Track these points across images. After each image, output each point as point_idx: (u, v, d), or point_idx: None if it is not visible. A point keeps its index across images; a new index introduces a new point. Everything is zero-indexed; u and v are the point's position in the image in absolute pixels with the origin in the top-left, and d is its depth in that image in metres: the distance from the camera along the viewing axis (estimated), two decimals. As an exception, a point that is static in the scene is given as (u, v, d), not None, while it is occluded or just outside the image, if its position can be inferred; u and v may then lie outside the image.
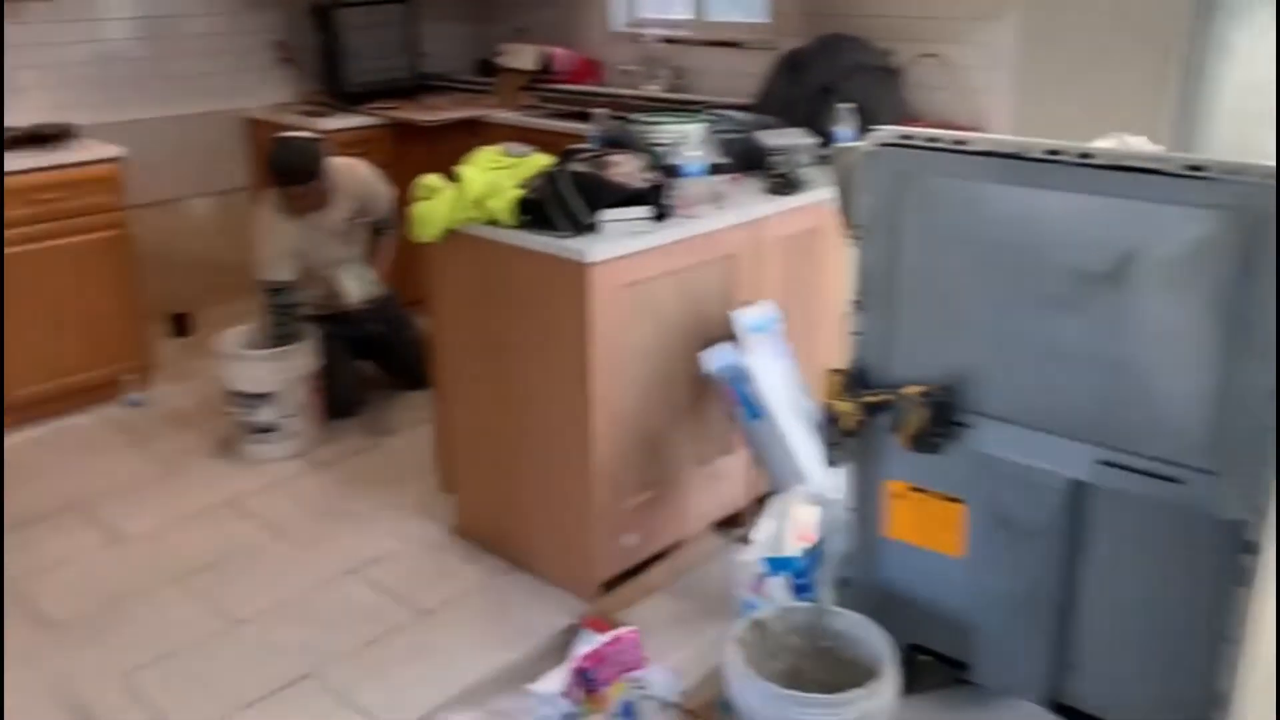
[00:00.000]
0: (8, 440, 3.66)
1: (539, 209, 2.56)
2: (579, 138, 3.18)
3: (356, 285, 3.71)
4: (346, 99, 4.64)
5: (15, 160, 3.63)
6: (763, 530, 2.46)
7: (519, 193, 2.60)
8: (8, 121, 3.88)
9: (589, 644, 2.20)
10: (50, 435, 3.72)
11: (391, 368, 4.05)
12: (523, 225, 2.59)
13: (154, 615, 2.72)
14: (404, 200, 2.80)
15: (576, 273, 2.47)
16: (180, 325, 4.62)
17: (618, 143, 2.83)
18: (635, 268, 2.57)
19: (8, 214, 3.58)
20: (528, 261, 2.57)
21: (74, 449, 3.63)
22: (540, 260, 2.54)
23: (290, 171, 3.55)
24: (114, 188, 3.83)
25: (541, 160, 2.76)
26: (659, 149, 2.84)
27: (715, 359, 2.74)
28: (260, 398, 3.46)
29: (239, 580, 2.87)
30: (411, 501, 3.25)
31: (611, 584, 2.77)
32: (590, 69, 4.84)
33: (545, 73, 4.82)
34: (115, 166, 3.82)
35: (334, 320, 3.82)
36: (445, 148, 4.30)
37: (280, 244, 3.61)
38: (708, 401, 2.86)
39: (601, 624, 2.52)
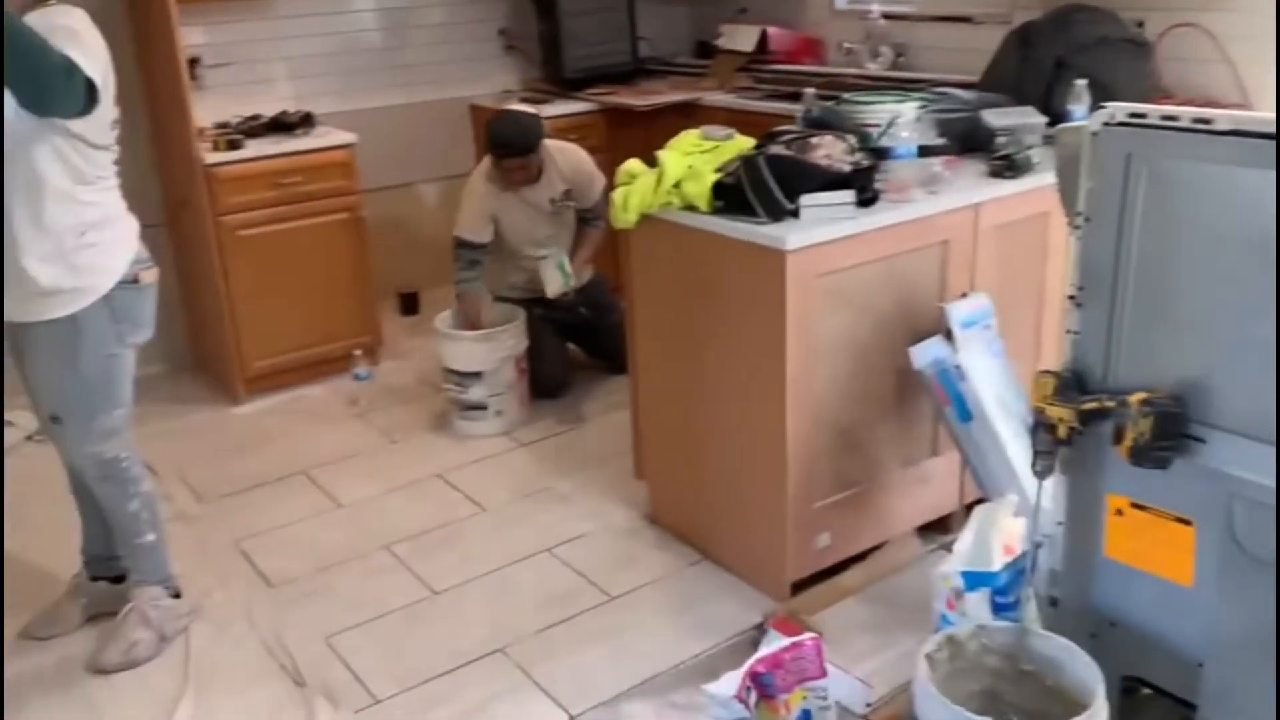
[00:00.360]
0: (249, 407, 3.96)
1: (736, 194, 2.48)
2: (791, 120, 3.07)
3: (556, 277, 3.76)
4: (566, 85, 4.71)
5: (262, 146, 3.90)
6: (964, 540, 2.29)
7: (716, 177, 2.53)
8: (258, 110, 4.18)
9: (775, 644, 2.12)
10: (285, 404, 3.99)
11: (596, 351, 4.09)
12: (719, 211, 2.52)
13: (360, 581, 2.85)
14: (612, 187, 2.79)
15: (773, 260, 2.38)
16: (407, 304, 4.85)
17: (824, 124, 2.70)
18: (837, 255, 2.44)
19: (256, 196, 3.85)
20: (723, 248, 2.50)
21: (304, 418, 3.87)
22: (736, 247, 2.47)
23: (509, 143, 3.65)
24: (349, 172, 4.05)
25: (742, 143, 2.68)
26: (869, 130, 2.70)
27: (924, 354, 2.58)
28: (471, 376, 3.57)
29: (441, 552, 2.97)
30: (608, 485, 3.26)
31: (803, 584, 2.67)
32: (809, 48, 4.70)
33: (762, 53, 4.72)
34: (350, 152, 4.04)
35: (541, 303, 3.89)
36: (659, 132, 4.29)
37: (482, 207, 3.75)
38: (914, 399, 2.70)
39: (790, 625, 2.43)
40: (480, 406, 3.61)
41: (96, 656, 2.52)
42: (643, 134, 4.41)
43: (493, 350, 3.57)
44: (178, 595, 2.67)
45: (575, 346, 4.11)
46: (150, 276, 2.44)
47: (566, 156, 3.87)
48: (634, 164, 2.73)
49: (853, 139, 2.60)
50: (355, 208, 4.07)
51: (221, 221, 3.80)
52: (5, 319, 2.34)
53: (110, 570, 2.70)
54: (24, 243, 2.24)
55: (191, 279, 4.19)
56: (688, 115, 4.35)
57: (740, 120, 2.97)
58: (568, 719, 2.32)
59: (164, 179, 4.15)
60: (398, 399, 3.98)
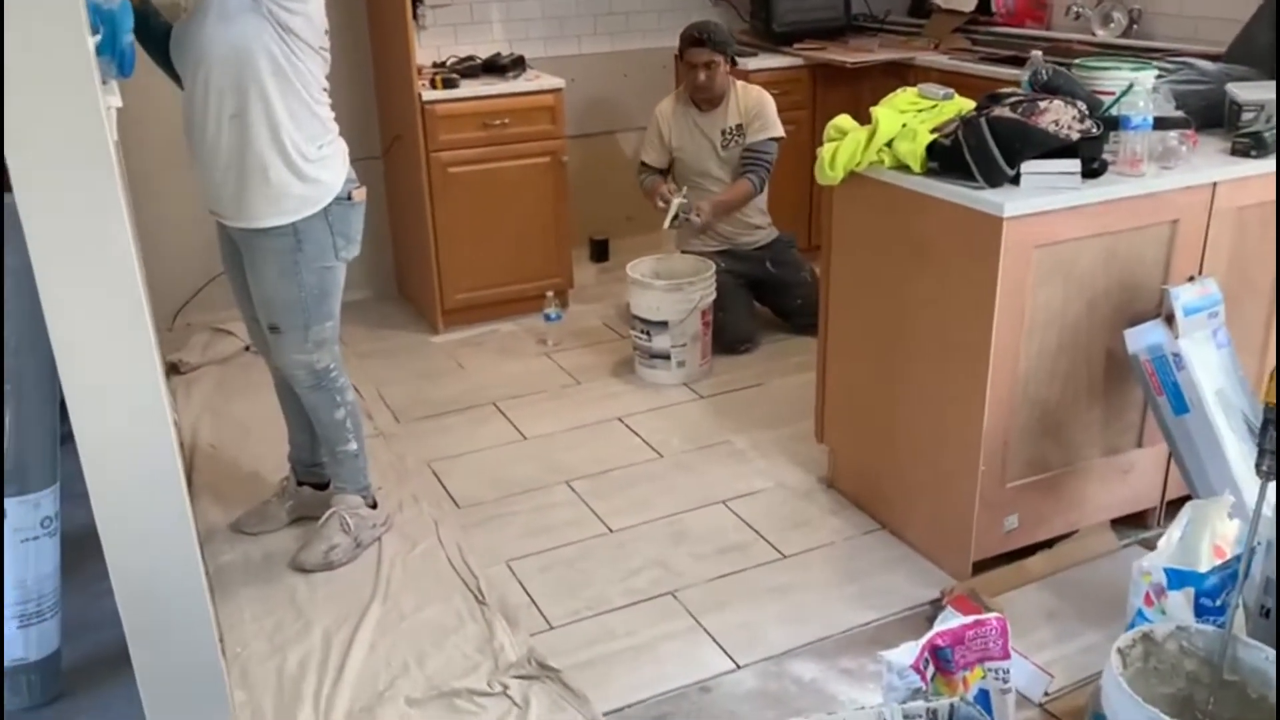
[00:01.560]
0: (445, 337, 4.13)
1: (953, 155, 2.39)
2: (1011, 85, 2.94)
3: (679, 205, 3.80)
4: (774, 39, 4.65)
5: (475, 86, 4.02)
6: (1170, 537, 2.17)
7: (932, 137, 2.45)
8: (473, 51, 4.31)
9: (951, 622, 2.07)
10: (478, 337, 4.13)
11: (783, 310, 4.06)
12: (932, 172, 2.44)
13: (540, 511, 2.95)
14: (816, 142, 2.75)
15: (988, 227, 2.29)
16: (598, 251, 4.93)
17: (1052, 89, 2.57)
18: (1056, 227, 2.33)
19: (467, 135, 3.97)
20: (934, 211, 2.42)
21: (496, 352, 4.00)
22: (948, 210, 2.38)
23: (700, 33, 3.79)
24: (555, 116, 4.12)
25: (961, 104, 2.58)
26: (1101, 98, 2.54)
27: (1141, 338, 2.44)
28: (657, 325, 3.60)
29: (617, 492, 3.03)
30: (786, 445, 3.24)
31: (985, 565, 2.59)
32: (1033, 11, 4.46)
33: (983, 14, 4.52)
34: (558, 96, 4.11)
35: (730, 256, 3.88)
36: (866, 92, 4.20)
37: (664, 130, 3.91)
38: (1125, 384, 2.56)
39: (968, 604, 2.37)
40: (663, 355, 3.64)
41: (298, 555, 2.70)
42: (849, 93, 4.31)
43: (680, 300, 3.59)
44: (374, 506, 2.82)
45: (763, 305, 4.10)
46: (361, 195, 2.57)
47: (750, 94, 3.91)
48: (845, 120, 2.67)
49: (1083, 106, 2.46)
50: (558, 152, 4.15)
51: (434, 157, 3.95)
52: (231, 226, 2.50)
53: (315, 476, 2.88)
54: (260, 149, 2.37)
55: (401, 212, 4.38)
56: (898, 75, 4.22)
57: (954, 83, 2.85)
58: (735, 668, 2.34)
59: (383, 113, 4.34)
60: (584, 341, 4.07)
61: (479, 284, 4.16)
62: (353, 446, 2.74)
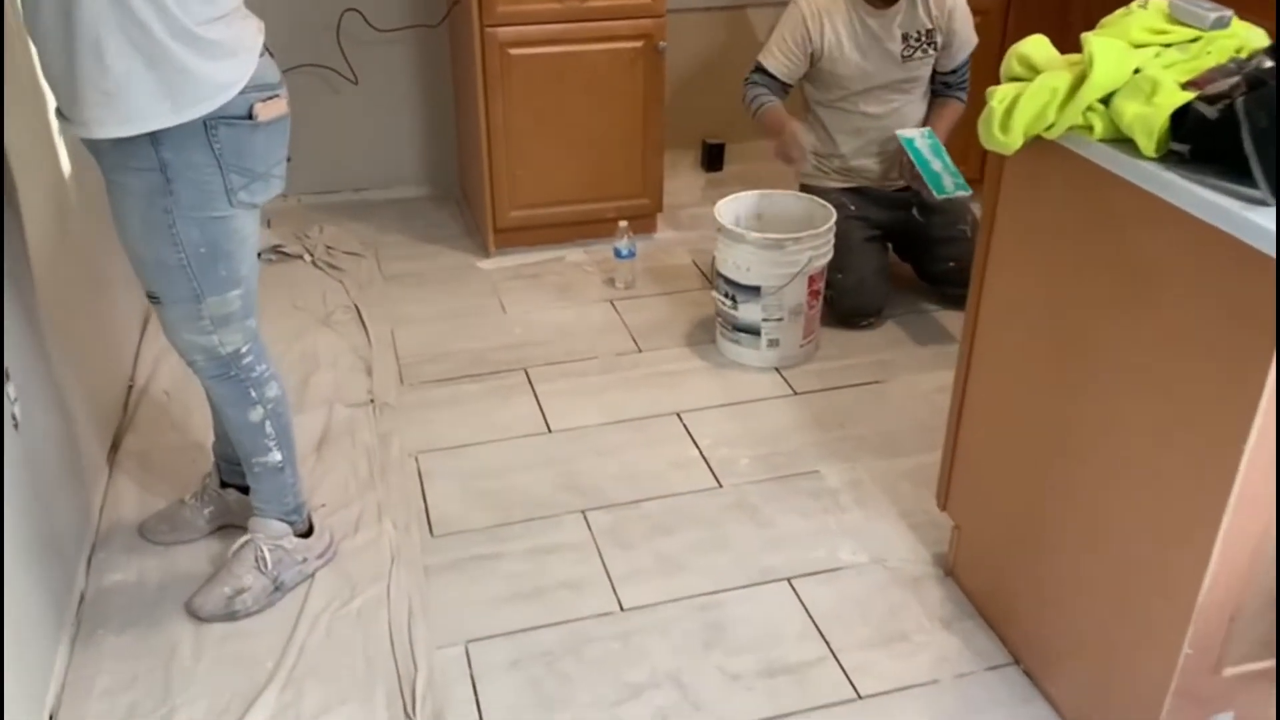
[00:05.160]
0: (495, 262, 3.32)
1: (1219, 136, 1.36)
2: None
3: (938, 167, 2.79)
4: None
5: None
6: None
7: (1186, 97, 1.42)
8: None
9: None
10: (533, 266, 3.30)
11: (929, 273, 3.06)
12: (1176, 160, 1.42)
13: (535, 557, 2.16)
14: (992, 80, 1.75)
15: (1262, 274, 1.29)
16: (711, 157, 3.98)
17: None
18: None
19: (535, 7, 3.05)
20: (1170, 226, 1.42)
21: (550, 290, 3.17)
22: (1194, 230, 1.38)
23: None
24: (654, -13, 3.15)
25: (1245, 37, 1.53)
26: None
27: None
28: (746, 290, 2.69)
29: (644, 541, 2.20)
30: (900, 490, 2.34)
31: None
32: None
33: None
34: (660, -41, 3.13)
35: (864, 197, 2.90)
36: (1078, 3, 3.02)
37: (810, 28, 2.84)
38: None
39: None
40: (751, 330, 2.74)
41: (195, 596, 2.01)
42: (1058, 8, 3.13)
43: (779, 261, 2.65)
44: (309, 532, 2.09)
45: (903, 260, 3.11)
46: (272, 110, 1.73)
47: None
48: (1036, 45, 1.65)
49: None
50: (654, 36, 3.18)
51: (489, 34, 3.05)
52: (77, 133, 1.69)
53: (243, 478, 2.17)
54: (93, 5, 1.53)
55: (460, 98, 3.53)
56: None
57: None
58: None
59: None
60: (662, 284, 3.19)
61: (541, 199, 3.30)
62: (275, 458, 2.00)
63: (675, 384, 2.72)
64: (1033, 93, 1.56)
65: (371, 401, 2.62)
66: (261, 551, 2.02)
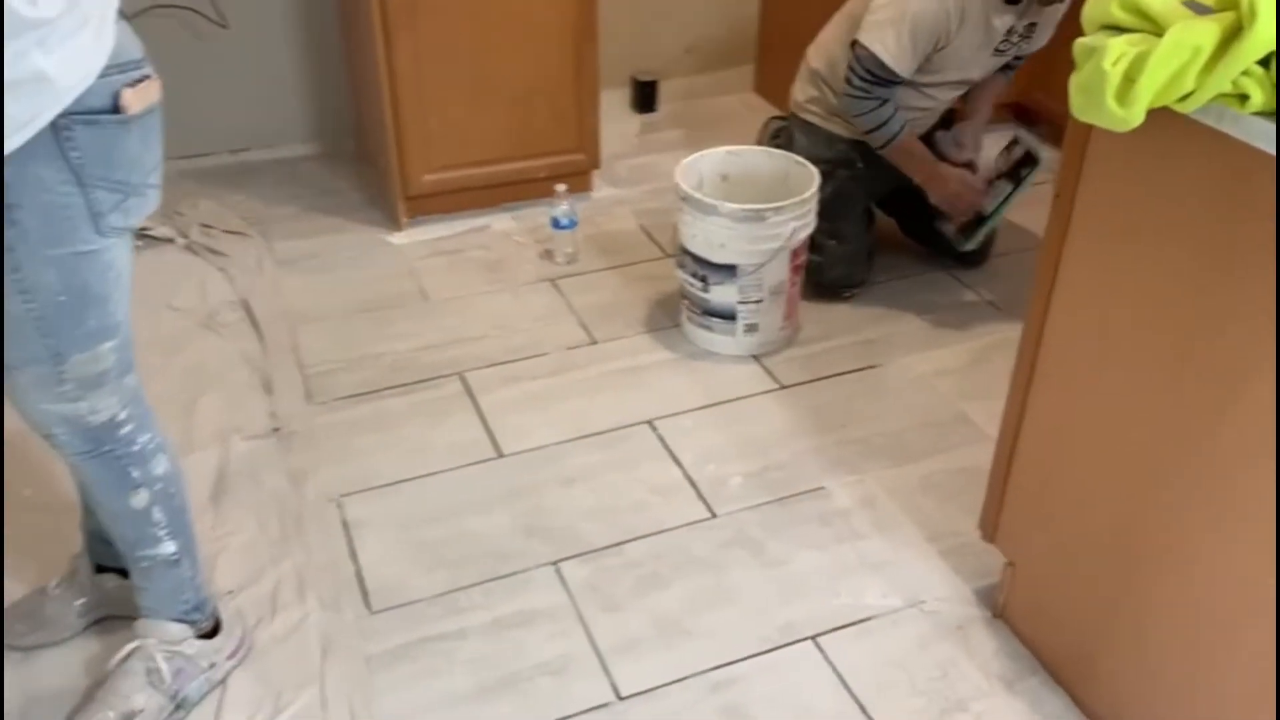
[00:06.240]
0: (408, 235, 2.83)
1: None
2: None
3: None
4: None
5: None
6: None
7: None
8: None
9: None
10: (455, 240, 2.82)
11: (922, 229, 2.69)
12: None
13: (502, 633, 1.76)
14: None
15: None
16: (644, 97, 3.52)
17: None
18: None
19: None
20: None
21: (478, 269, 2.71)
22: None
23: None
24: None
25: None
26: None
27: None
28: (719, 269, 2.28)
29: (634, 599, 1.82)
30: (920, 505, 1.99)
31: None
32: None
33: None
34: None
35: (857, 151, 2.48)
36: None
37: (953, 14, 2.23)
38: None
39: None
40: (726, 315, 2.34)
41: (74, 717, 1.56)
42: None
43: (760, 235, 2.25)
44: (214, 630, 1.65)
45: (889, 216, 2.72)
46: (145, 97, 1.25)
47: None
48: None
49: None
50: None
51: (385, -37, 2.53)
52: None
53: (117, 559, 1.70)
54: None
55: (352, 38, 2.99)
56: None
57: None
58: None
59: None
60: (609, 256, 2.76)
61: (459, 159, 2.82)
62: (167, 549, 1.54)
63: (642, 383, 2.32)
64: (1166, 52, 1.17)
65: (276, 430, 2.16)
66: (155, 661, 1.57)
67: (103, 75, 1.20)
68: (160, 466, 1.50)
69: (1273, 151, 1.14)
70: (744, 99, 3.61)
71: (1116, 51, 1.22)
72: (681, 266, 2.37)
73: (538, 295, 2.61)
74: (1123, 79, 1.21)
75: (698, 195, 2.23)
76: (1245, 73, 1.15)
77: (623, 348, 2.42)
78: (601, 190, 3.03)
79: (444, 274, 2.69)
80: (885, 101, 2.30)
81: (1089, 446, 1.51)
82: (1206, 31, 1.16)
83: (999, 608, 1.78)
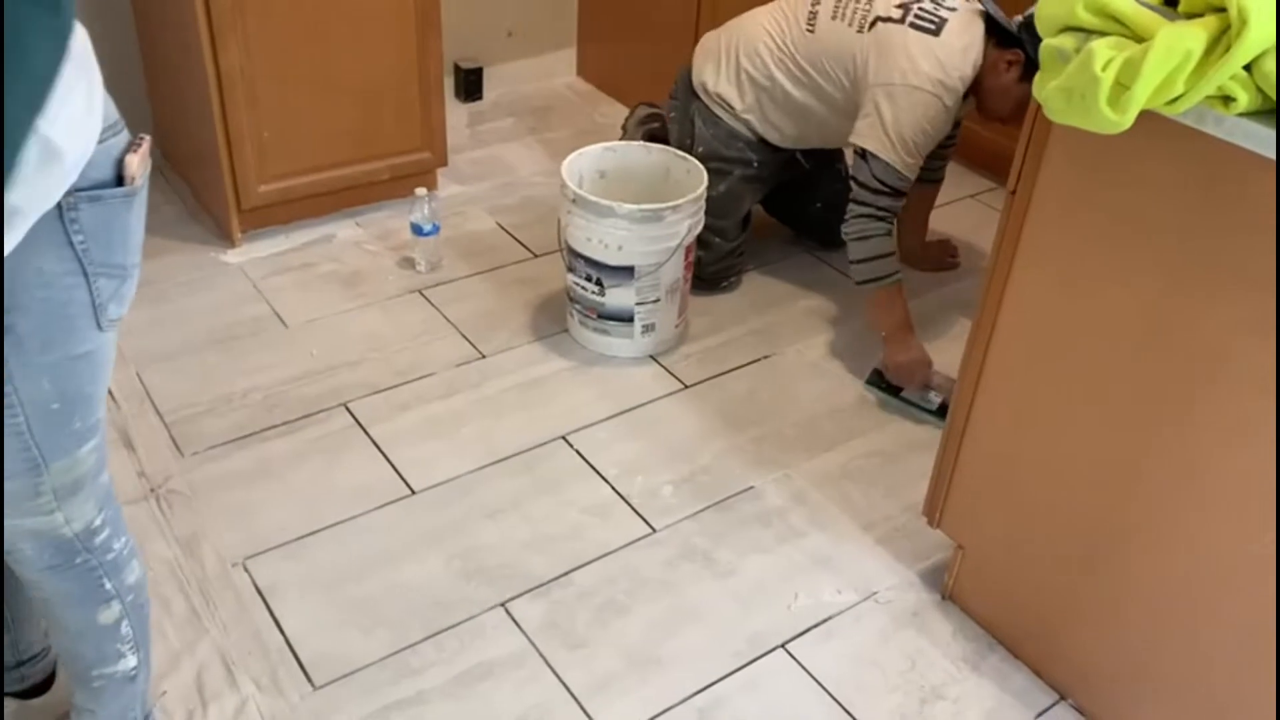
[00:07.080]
0: (247, 253, 2.57)
1: None
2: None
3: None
4: None
5: None
6: None
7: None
8: None
9: None
10: (300, 253, 2.59)
11: (801, 218, 2.69)
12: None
13: (466, 687, 1.64)
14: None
15: None
16: (470, 85, 3.36)
17: None
18: None
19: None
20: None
21: (332, 285, 2.50)
22: None
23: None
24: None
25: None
26: None
27: None
28: (616, 272, 2.21)
29: (599, 628, 1.74)
30: (846, 493, 2.01)
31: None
32: None
33: None
34: None
35: (768, 149, 2.41)
36: None
37: (949, 120, 2.13)
38: None
39: None
40: (623, 318, 2.27)
41: None
42: None
43: (659, 235, 2.18)
44: (150, 739, 1.44)
45: (763, 211, 2.71)
46: (144, 164, 1.06)
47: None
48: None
49: None
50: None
51: (205, -46, 2.26)
52: None
53: (22, 680, 1.46)
54: None
55: (150, 36, 2.66)
56: None
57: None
58: None
59: None
60: (473, 261, 2.61)
61: (296, 167, 2.58)
62: (128, 665, 1.33)
63: (545, 397, 2.21)
64: (1160, 56, 1.20)
65: (152, 491, 1.91)
66: (91, 792, 1.35)
67: (100, 141, 0.99)
68: (133, 574, 1.29)
69: (1260, 151, 1.19)
70: (569, 83, 3.51)
71: (1104, 55, 1.24)
72: (572, 270, 2.27)
73: (408, 309, 2.43)
74: (1112, 78, 1.23)
75: (593, 198, 2.14)
76: (1231, 81, 1.19)
77: (514, 359, 2.30)
78: (448, 189, 2.87)
79: (296, 293, 2.46)
80: (891, 232, 2.18)
81: (1046, 433, 1.56)
82: (1195, 35, 1.20)
83: (947, 589, 1.83)
